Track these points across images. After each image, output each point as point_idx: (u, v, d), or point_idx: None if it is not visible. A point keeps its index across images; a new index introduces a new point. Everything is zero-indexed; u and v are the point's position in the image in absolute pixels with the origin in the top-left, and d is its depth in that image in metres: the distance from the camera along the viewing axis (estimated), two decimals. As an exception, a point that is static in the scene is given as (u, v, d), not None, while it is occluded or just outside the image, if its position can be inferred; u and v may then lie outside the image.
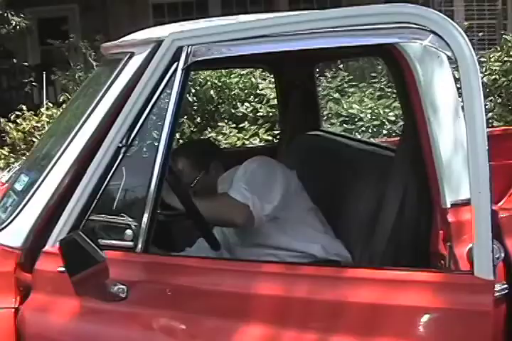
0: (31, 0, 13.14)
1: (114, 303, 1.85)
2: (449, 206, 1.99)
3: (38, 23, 14.42)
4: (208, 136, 6.50)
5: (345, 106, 6.46)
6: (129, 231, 1.90)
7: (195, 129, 6.70)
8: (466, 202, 1.93)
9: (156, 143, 1.90)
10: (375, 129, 6.09)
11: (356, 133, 6.00)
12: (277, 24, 1.90)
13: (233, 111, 7.02)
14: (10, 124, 7.92)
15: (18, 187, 2.21)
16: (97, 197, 1.92)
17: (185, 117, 6.75)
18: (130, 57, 2.07)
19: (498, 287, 1.94)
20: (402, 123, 5.80)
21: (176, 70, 1.93)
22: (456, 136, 2.10)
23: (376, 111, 6.23)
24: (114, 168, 1.93)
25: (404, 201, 2.27)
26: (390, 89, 6.56)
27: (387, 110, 6.27)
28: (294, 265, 2.15)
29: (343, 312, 1.80)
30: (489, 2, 15.63)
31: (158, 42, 2.00)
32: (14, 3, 12.47)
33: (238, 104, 7.01)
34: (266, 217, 2.36)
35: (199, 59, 1.94)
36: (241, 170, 2.47)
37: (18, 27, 12.45)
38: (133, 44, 2.13)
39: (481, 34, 14.48)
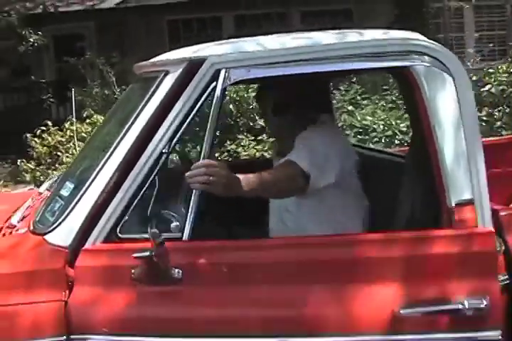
0: (48, 18, 13.42)
1: (172, 285, 2.11)
2: (453, 205, 2.20)
3: (55, 40, 14.73)
4: (228, 148, 6.73)
5: (358, 118, 6.68)
6: (174, 224, 2.14)
7: (215, 141, 6.91)
8: (468, 202, 2.18)
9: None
10: (387, 140, 6.31)
11: (370, 144, 6.20)
12: (301, 52, 2.24)
13: (251, 124, 7.26)
14: (35, 139, 8.24)
15: (65, 193, 2.44)
16: (140, 197, 2.16)
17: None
18: (165, 75, 2.30)
19: (500, 277, 2.18)
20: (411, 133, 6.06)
21: (214, 89, 2.19)
22: (457, 145, 2.30)
23: (388, 122, 6.46)
24: (155, 171, 2.19)
25: (413, 203, 2.50)
26: (401, 101, 6.80)
27: (398, 121, 6.51)
28: None
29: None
30: (498, 14, 15.86)
31: (191, 61, 2.24)
32: (32, 21, 12.79)
33: (256, 117, 7.26)
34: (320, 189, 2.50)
35: (235, 81, 2.22)
36: (302, 140, 2.58)
37: (35, 44, 12.77)
38: (167, 63, 2.37)
39: (491, 45, 14.70)
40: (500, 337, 2.08)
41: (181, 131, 2.21)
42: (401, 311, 2.08)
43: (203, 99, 2.20)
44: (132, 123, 2.27)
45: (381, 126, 6.43)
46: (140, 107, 2.28)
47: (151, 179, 2.19)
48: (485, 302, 2.07)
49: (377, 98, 7.18)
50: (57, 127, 8.26)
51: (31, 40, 12.74)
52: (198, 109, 2.20)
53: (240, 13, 15.83)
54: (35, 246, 2.26)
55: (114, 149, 2.26)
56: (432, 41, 2.28)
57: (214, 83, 2.20)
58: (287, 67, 2.23)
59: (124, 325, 2.13)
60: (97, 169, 2.25)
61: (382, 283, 2.11)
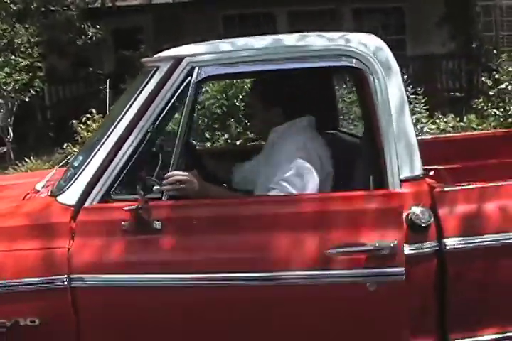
0: (107, 12, 14.07)
1: (154, 234, 2.68)
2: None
3: (114, 33, 15.38)
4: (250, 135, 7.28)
5: None
6: (156, 188, 2.72)
7: (241, 130, 7.50)
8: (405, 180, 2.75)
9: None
10: None
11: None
12: (253, 54, 2.86)
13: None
14: (81, 125, 8.97)
15: (75, 163, 3.02)
16: (129, 166, 2.74)
17: (233, 120, 7.59)
18: (156, 70, 2.86)
19: (429, 244, 2.70)
20: (420, 125, 6.59)
21: (189, 83, 2.77)
22: (399, 128, 2.82)
23: None
24: (142, 146, 2.77)
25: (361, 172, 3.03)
26: (413, 96, 7.33)
27: None
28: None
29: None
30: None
31: (176, 59, 2.81)
32: (91, 15, 13.50)
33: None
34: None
35: (206, 76, 2.79)
36: (281, 157, 3.05)
37: (94, 38, 13.48)
38: (159, 60, 2.93)
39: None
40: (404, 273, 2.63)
41: (162, 115, 2.79)
42: (327, 251, 2.63)
43: (179, 91, 2.78)
44: (128, 108, 2.84)
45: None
46: (135, 95, 2.85)
47: (138, 152, 2.76)
48: (391, 245, 2.63)
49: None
50: (100, 115, 8.91)
51: (90, 33, 13.47)
52: (175, 98, 2.78)
53: (293, 10, 16.27)
54: (48, 205, 2.84)
55: (114, 127, 2.83)
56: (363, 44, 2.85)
57: (189, 78, 2.77)
58: (243, 66, 2.84)
59: (114, 266, 2.68)
60: (100, 144, 2.83)
61: (314, 231, 2.68)
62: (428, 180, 2.90)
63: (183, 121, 2.75)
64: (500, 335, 2.79)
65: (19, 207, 2.96)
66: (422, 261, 2.73)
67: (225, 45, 2.91)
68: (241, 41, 2.95)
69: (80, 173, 2.81)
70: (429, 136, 5.86)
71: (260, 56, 2.84)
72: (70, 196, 2.79)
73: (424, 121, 7.10)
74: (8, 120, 11.91)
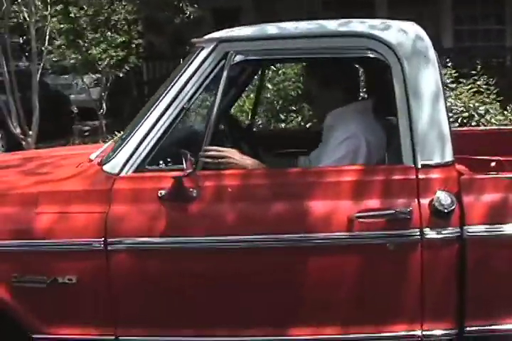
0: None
1: (190, 202, 2.87)
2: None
3: (212, 12, 15.63)
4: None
5: None
6: (192, 159, 2.85)
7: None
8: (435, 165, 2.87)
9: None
10: (465, 121, 6.79)
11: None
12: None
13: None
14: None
15: (123, 137, 3.22)
16: (163, 140, 2.93)
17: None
18: (201, 51, 3.03)
19: (451, 230, 2.79)
20: (489, 115, 6.55)
21: (224, 65, 2.94)
22: (432, 116, 2.90)
23: (468, 104, 6.92)
24: (176, 123, 2.96)
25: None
26: (485, 86, 7.29)
27: (477, 104, 6.96)
28: None
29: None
30: None
31: (215, 43, 2.98)
32: (189, -6, 13.79)
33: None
34: None
35: (239, 60, 2.97)
36: (331, 144, 3.22)
37: (191, 17, 13.76)
38: (204, 41, 3.09)
39: None
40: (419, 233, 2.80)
41: (198, 93, 2.96)
42: (355, 215, 2.80)
43: (213, 73, 2.97)
44: (171, 86, 3.01)
45: (460, 108, 6.90)
46: (180, 73, 3.02)
47: (172, 127, 2.93)
48: (408, 210, 2.79)
49: (464, 82, 7.60)
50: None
51: (187, 12, 13.76)
52: (210, 80, 2.97)
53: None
54: (95, 173, 3.05)
55: (157, 104, 3.01)
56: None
57: (223, 61, 2.95)
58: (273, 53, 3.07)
59: (150, 230, 2.87)
60: (143, 119, 3.01)
61: (343, 198, 2.85)
62: (460, 167, 2.96)
63: (216, 101, 2.89)
64: None
65: (71, 174, 3.17)
66: (443, 245, 2.81)
67: (262, 31, 3.08)
68: (278, 29, 3.10)
69: (124, 145, 3.01)
70: (493, 127, 5.88)
71: (297, 42, 3.00)
72: (113, 165, 2.99)
73: (491, 111, 7.05)
74: (102, 94, 12.35)
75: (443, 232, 2.80)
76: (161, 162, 2.97)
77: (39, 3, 10.82)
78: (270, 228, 2.84)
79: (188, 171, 2.80)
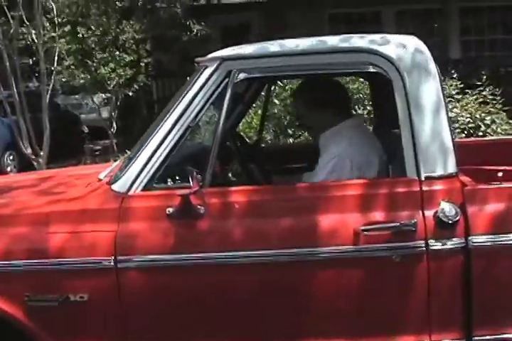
0: (213, 8, 14.48)
1: (198, 219, 2.92)
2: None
3: (221, 29, 15.77)
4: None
5: None
6: (198, 176, 2.89)
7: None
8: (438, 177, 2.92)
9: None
10: (471, 131, 6.84)
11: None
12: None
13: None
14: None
15: (130, 155, 3.27)
16: (169, 159, 2.98)
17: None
18: (204, 69, 3.08)
19: (456, 240, 2.82)
20: (495, 125, 6.60)
21: (227, 83, 3.00)
22: (434, 129, 2.95)
23: (475, 115, 6.98)
24: (182, 141, 3.01)
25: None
26: (491, 97, 7.35)
27: (483, 115, 7.02)
28: None
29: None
30: None
31: (218, 61, 3.03)
32: (196, 12, 13.93)
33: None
34: None
35: (242, 78, 3.02)
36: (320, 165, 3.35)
37: (198, 34, 13.89)
38: (208, 60, 3.14)
39: None
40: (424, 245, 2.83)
41: (203, 111, 3.01)
42: (360, 228, 2.84)
43: (217, 91, 3.02)
44: (176, 104, 3.06)
45: (467, 119, 6.96)
46: (184, 92, 3.08)
47: (179, 145, 2.99)
48: (413, 222, 2.83)
49: (469, 93, 7.66)
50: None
51: (194, 30, 13.90)
52: (215, 97, 3.02)
53: (400, 9, 16.23)
54: (104, 192, 3.10)
55: (163, 123, 3.06)
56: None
57: (227, 79, 3.01)
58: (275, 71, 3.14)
59: (159, 248, 2.92)
60: (149, 138, 3.07)
61: (348, 212, 2.90)
62: (463, 178, 3.00)
63: (221, 119, 2.95)
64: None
65: (81, 193, 3.22)
66: (448, 256, 2.84)
67: (264, 48, 3.15)
68: (280, 46, 3.16)
69: (131, 164, 3.06)
70: (499, 137, 5.92)
71: (299, 59, 3.07)
72: (122, 184, 3.04)
73: (497, 121, 7.09)
74: (113, 113, 12.45)
75: (448, 243, 2.83)
76: (168, 180, 3.02)
77: (47, 25, 10.95)
78: (277, 243, 2.88)
79: (195, 189, 2.85)
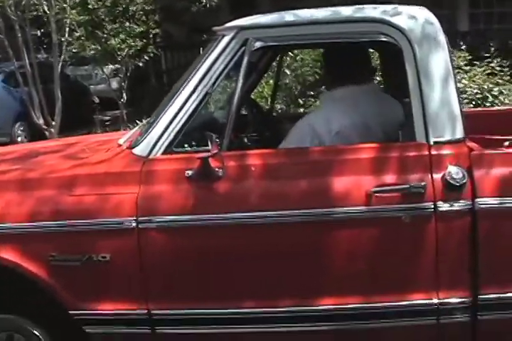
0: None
1: (216, 181, 3.05)
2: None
3: (230, 1, 15.75)
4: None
5: None
6: (217, 140, 3.01)
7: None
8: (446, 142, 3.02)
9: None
10: (479, 102, 6.95)
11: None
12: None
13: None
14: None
15: (150, 121, 3.40)
16: (188, 124, 3.11)
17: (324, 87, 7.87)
18: (222, 38, 3.20)
19: (463, 202, 2.94)
20: (503, 96, 6.70)
21: (244, 51, 3.12)
22: (443, 97, 3.06)
23: (482, 86, 7.08)
24: (201, 107, 3.14)
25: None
26: (499, 68, 7.45)
27: (491, 86, 7.12)
28: None
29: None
30: None
31: (235, 30, 3.15)
32: (206, -18, 13.92)
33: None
34: None
35: (259, 47, 3.14)
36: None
37: (207, 5, 13.91)
38: (225, 29, 3.26)
39: None
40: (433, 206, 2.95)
41: (221, 78, 3.13)
42: (372, 190, 2.96)
43: (234, 59, 3.14)
44: (196, 72, 3.18)
45: (475, 90, 7.06)
46: (203, 60, 3.20)
47: (197, 112, 3.12)
48: (422, 184, 2.95)
49: (478, 64, 7.75)
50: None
51: (203, 1, 13.91)
52: (232, 65, 3.14)
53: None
54: (125, 156, 3.24)
55: (182, 90, 3.18)
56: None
57: (243, 48, 3.12)
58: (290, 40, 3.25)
59: (179, 209, 3.05)
60: (168, 104, 3.19)
61: (361, 174, 3.02)
62: (471, 144, 3.11)
63: (238, 86, 3.06)
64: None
65: (104, 158, 3.36)
66: (455, 217, 2.97)
67: (280, 18, 3.26)
68: (295, 16, 3.27)
69: (151, 129, 3.19)
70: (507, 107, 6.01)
71: (313, 28, 3.18)
72: (142, 148, 3.17)
73: (505, 92, 7.18)
74: (123, 84, 12.54)
75: (455, 205, 2.95)
76: (186, 145, 3.14)
77: (58, -4, 11.02)
78: (292, 204, 3.02)
79: (214, 152, 2.97)
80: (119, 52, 12.05)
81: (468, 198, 2.96)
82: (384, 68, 4.21)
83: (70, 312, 3.14)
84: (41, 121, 11.47)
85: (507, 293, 3.01)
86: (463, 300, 3.02)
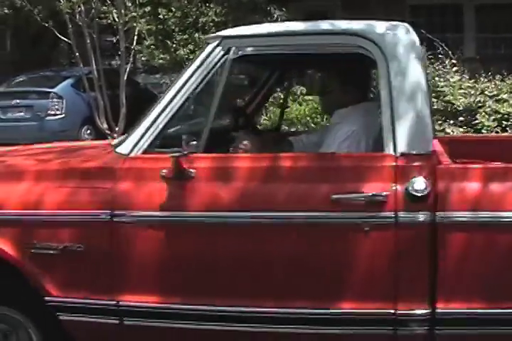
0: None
1: (188, 181, 3.19)
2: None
3: (302, 17, 15.91)
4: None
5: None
6: (193, 143, 3.16)
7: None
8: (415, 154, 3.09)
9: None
10: None
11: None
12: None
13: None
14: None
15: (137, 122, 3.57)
16: (168, 127, 3.30)
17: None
18: (207, 46, 3.35)
19: (424, 214, 3.00)
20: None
21: (226, 60, 3.27)
22: (415, 106, 3.14)
23: None
24: (181, 111, 3.31)
25: None
26: None
27: None
28: None
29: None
30: None
31: (219, 39, 3.31)
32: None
33: None
34: None
35: (240, 55, 3.27)
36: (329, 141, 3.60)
37: (278, 20, 14.08)
38: (212, 38, 3.41)
39: None
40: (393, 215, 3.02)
41: (203, 84, 3.29)
42: (332, 196, 3.05)
43: (217, 66, 3.29)
44: (179, 78, 3.35)
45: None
46: (188, 66, 3.37)
47: (179, 114, 3.30)
48: (383, 194, 3.03)
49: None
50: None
51: (275, 15, 14.10)
52: (214, 72, 3.30)
53: (480, 2, 16.03)
54: (109, 153, 3.42)
55: (166, 94, 3.35)
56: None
57: (226, 56, 3.27)
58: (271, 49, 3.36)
59: (152, 205, 3.21)
60: (153, 107, 3.35)
61: (325, 181, 3.13)
62: (442, 158, 3.16)
63: (219, 92, 3.23)
64: (485, 310, 3.02)
65: (95, 155, 3.55)
66: (416, 229, 3.02)
67: (263, 29, 3.45)
68: (277, 27, 3.47)
69: (134, 130, 3.37)
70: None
71: (293, 39, 3.33)
72: (125, 147, 3.35)
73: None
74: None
75: (416, 216, 3.00)
76: (166, 145, 3.29)
77: (129, 5, 11.38)
78: (255, 205, 3.15)
79: (185, 152, 3.11)
80: (187, 63, 12.31)
81: (430, 210, 3.00)
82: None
83: (46, 298, 3.30)
84: (105, 126, 11.82)
85: (465, 308, 3.02)
86: (421, 312, 3.05)
